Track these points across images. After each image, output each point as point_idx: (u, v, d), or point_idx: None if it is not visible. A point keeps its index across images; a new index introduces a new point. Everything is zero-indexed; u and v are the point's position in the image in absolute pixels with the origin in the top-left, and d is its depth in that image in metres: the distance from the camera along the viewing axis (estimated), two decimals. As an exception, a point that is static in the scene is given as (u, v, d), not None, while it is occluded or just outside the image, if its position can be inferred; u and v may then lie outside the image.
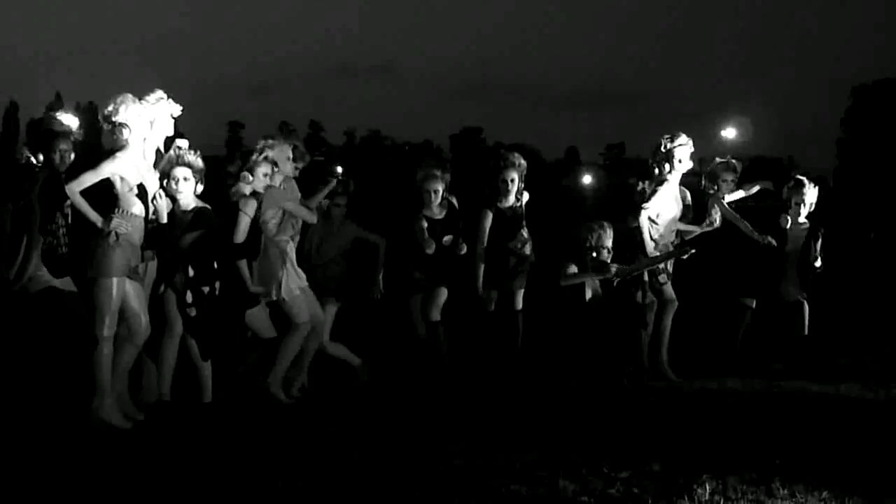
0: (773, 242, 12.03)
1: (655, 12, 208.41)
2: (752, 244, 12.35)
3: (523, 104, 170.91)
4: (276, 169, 10.16)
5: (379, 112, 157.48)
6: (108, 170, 8.81)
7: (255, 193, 10.03)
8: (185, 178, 9.46)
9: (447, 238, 11.27)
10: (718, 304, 12.65)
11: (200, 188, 9.59)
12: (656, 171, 11.85)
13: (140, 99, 9.01)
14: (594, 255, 11.38)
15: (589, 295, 11.42)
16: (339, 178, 11.13)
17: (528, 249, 11.78)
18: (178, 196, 9.45)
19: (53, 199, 8.57)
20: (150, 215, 9.09)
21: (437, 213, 11.33)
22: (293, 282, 10.26)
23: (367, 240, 11.51)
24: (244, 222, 9.87)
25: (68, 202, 8.65)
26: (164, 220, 9.21)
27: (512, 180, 11.67)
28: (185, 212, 9.47)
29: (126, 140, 8.88)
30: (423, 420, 9.41)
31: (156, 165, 9.22)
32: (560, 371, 11.53)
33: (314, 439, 8.51)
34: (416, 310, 11.41)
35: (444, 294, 11.35)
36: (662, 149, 11.79)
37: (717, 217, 12.27)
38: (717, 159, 12.57)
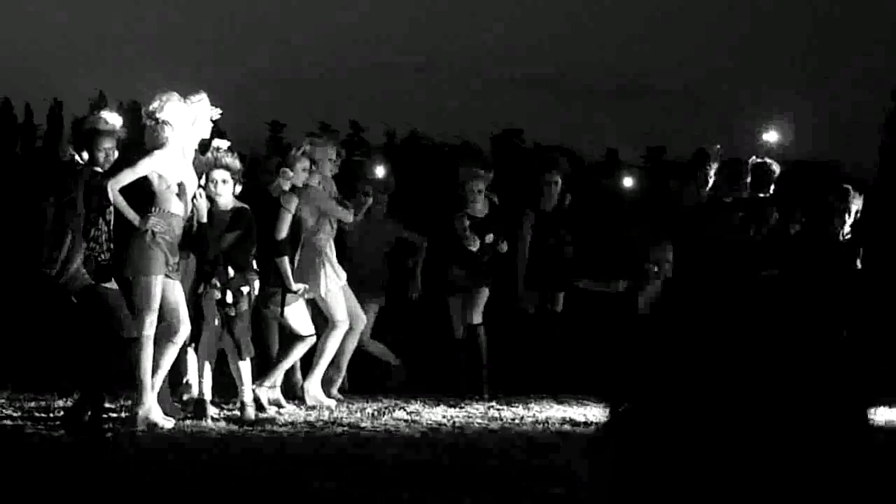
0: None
1: (697, 13, 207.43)
2: (797, 251, 12.28)
3: (564, 104, 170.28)
4: (314, 168, 10.17)
5: (419, 112, 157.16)
6: (146, 167, 8.81)
7: (294, 189, 10.04)
8: (224, 181, 9.47)
9: (489, 236, 11.24)
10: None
11: (239, 189, 9.61)
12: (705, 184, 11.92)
13: (184, 98, 9.02)
14: (656, 268, 11.34)
15: (645, 310, 11.36)
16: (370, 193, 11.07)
17: (569, 252, 11.74)
18: (217, 197, 9.45)
19: (98, 202, 8.60)
20: (189, 213, 9.08)
21: (480, 211, 11.31)
22: (332, 280, 10.26)
23: (408, 239, 11.52)
24: (286, 218, 9.89)
25: (111, 207, 8.69)
26: (204, 219, 9.22)
27: (555, 182, 11.66)
28: (223, 212, 9.47)
29: (167, 138, 8.88)
30: (459, 420, 9.39)
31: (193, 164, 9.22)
32: (599, 371, 11.48)
33: (350, 438, 8.50)
34: (457, 310, 11.38)
35: (484, 295, 11.32)
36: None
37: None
38: (756, 159, 12.49)
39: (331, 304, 10.25)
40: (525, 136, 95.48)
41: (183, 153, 8.98)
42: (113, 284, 8.70)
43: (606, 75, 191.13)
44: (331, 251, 10.33)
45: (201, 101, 9.08)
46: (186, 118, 8.96)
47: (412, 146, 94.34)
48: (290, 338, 10.20)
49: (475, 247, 11.18)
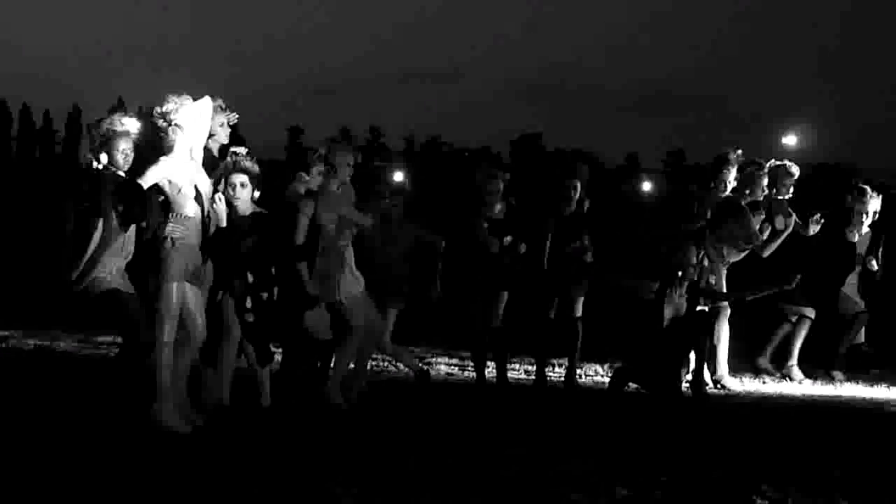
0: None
1: (716, 18, 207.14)
2: (816, 253, 12.28)
3: (583, 109, 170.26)
4: (334, 173, 10.15)
5: (439, 117, 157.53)
6: (154, 176, 8.73)
7: (310, 193, 10.03)
8: (243, 185, 9.46)
9: (507, 238, 11.23)
10: (781, 313, 12.56)
11: (257, 194, 9.60)
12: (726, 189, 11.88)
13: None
14: (680, 272, 11.31)
15: (669, 313, 11.29)
16: (385, 195, 11.07)
17: (589, 256, 11.72)
18: (236, 202, 9.44)
19: (140, 216, 8.65)
20: (206, 217, 9.03)
21: (498, 213, 11.30)
22: (351, 285, 10.23)
23: (427, 240, 11.52)
24: (303, 223, 9.88)
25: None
26: (224, 223, 9.19)
27: (575, 187, 11.64)
28: (242, 217, 9.47)
29: (174, 141, 8.85)
30: (478, 426, 9.39)
31: (206, 166, 9.18)
32: (619, 379, 11.44)
33: (371, 443, 8.48)
34: (477, 313, 11.36)
35: (504, 298, 11.31)
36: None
37: (783, 222, 12.17)
38: (775, 161, 12.46)
39: (349, 310, 10.22)
40: (546, 141, 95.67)
41: (191, 155, 8.93)
42: (131, 289, 8.72)
43: (627, 81, 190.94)
44: (350, 256, 10.31)
45: (204, 100, 9.01)
46: (194, 120, 8.91)
47: (432, 151, 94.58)
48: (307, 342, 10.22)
49: (495, 248, 11.17)
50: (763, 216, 12.07)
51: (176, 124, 8.82)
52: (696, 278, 11.39)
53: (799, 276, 11.44)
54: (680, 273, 11.29)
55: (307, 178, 10.14)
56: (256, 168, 9.54)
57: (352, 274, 10.26)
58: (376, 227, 10.72)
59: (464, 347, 11.85)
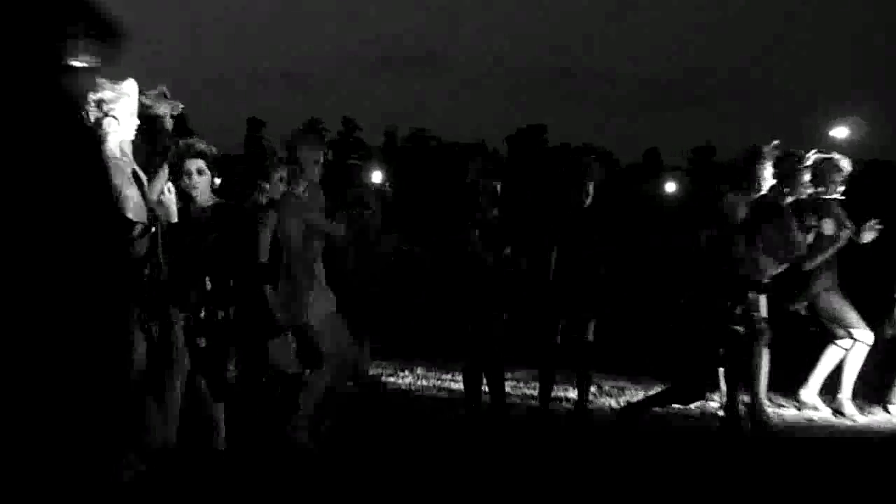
0: None
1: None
2: (869, 262, 12.21)
3: (594, 99, 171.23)
4: (299, 171, 9.98)
5: (424, 108, 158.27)
6: None
7: (272, 202, 9.83)
8: (200, 171, 9.23)
9: (507, 251, 11.11)
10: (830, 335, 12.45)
11: (217, 181, 9.38)
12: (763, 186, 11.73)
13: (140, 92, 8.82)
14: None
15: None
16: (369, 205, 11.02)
17: (602, 269, 11.54)
18: (194, 192, 9.21)
19: None
20: (154, 222, 8.84)
21: (494, 219, 11.14)
22: (321, 304, 10.07)
23: (407, 251, 11.48)
24: (265, 238, 9.64)
25: None
26: (175, 219, 8.93)
27: (586, 189, 11.48)
28: (203, 209, 9.23)
29: (107, 134, 8.63)
30: (473, 465, 9.35)
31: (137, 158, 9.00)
32: (630, 415, 11.25)
33: (343, 482, 8.49)
34: (471, 337, 11.27)
35: (502, 319, 11.21)
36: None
37: (832, 227, 12.04)
38: (821, 155, 12.27)
39: (319, 334, 10.06)
40: (550, 134, 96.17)
41: (121, 150, 8.72)
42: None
43: (644, 69, 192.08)
44: (319, 271, 10.15)
45: (129, 82, 8.80)
46: (131, 114, 8.72)
47: (417, 146, 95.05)
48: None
49: (489, 261, 11.04)
50: (814, 220, 11.88)
51: (112, 116, 8.63)
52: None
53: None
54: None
55: (267, 186, 9.95)
56: (214, 149, 9.33)
57: (322, 292, 10.09)
58: (350, 237, 10.61)
59: (455, 373, 11.78)
